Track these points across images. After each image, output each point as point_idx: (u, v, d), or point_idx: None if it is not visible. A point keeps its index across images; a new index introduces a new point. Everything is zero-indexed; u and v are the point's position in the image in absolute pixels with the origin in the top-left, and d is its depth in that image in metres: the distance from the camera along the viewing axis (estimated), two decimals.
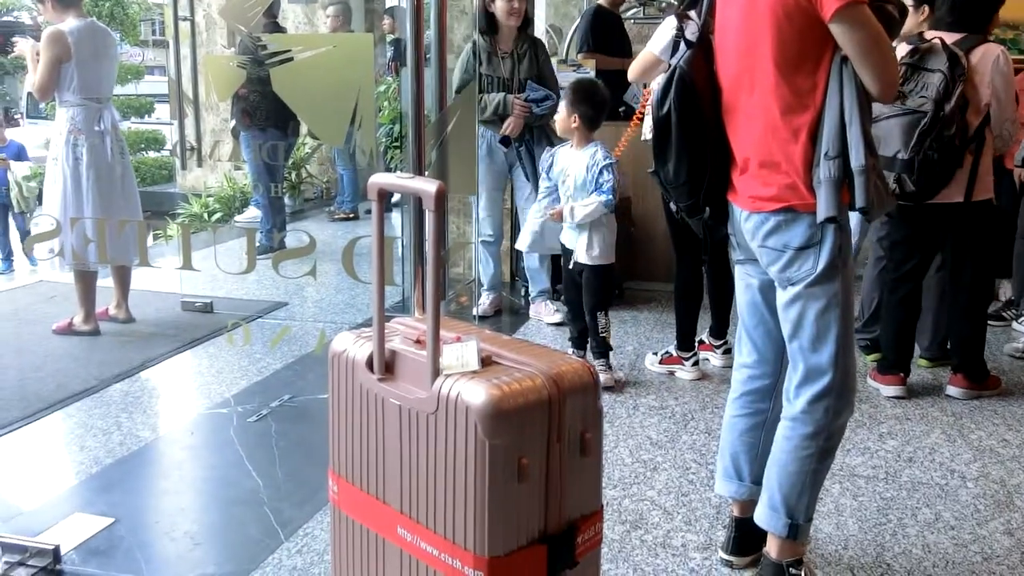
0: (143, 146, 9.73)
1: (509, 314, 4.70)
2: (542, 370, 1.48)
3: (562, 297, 4.09)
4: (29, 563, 2.29)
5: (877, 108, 3.07)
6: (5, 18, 15.92)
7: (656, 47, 3.28)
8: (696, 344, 3.78)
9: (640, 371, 3.81)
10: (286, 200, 6.81)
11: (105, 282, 4.40)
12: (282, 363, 3.87)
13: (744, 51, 1.97)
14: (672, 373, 3.75)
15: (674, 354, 3.76)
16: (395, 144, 5.65)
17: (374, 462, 1.62)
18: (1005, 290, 4.75)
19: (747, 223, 2.04)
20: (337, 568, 1.77)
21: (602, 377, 3.57)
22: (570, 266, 3.63)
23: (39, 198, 5.46)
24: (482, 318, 4.50)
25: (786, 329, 2.07)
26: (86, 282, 4.26)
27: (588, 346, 3.71)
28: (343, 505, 1.72)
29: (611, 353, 3.67)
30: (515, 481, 1.42)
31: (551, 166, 3.67)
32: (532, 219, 3.77)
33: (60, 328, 4.30)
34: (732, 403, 2.29)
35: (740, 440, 2.26)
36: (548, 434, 1.46)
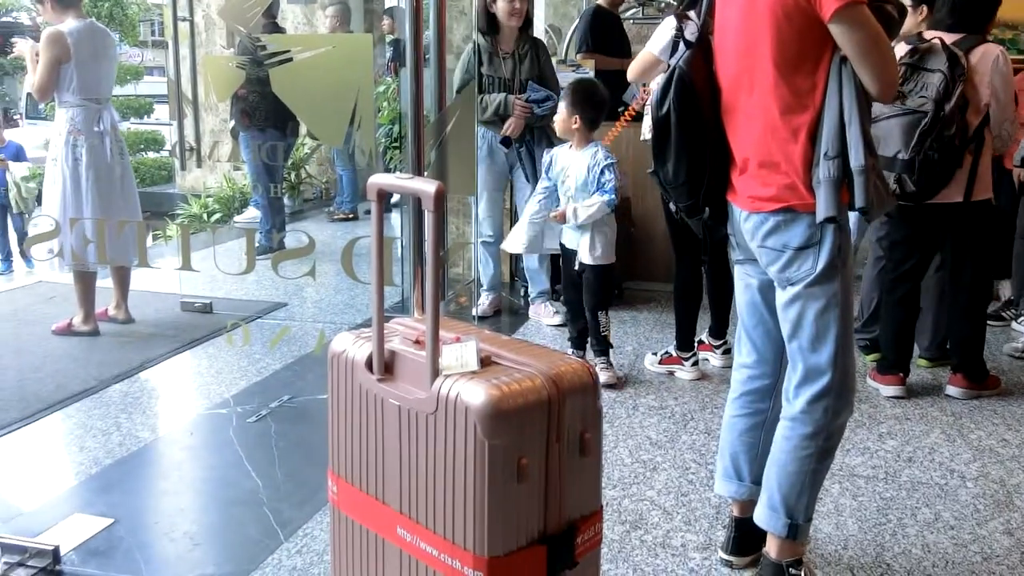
0: (142, 147, 9.74)
1: (508, 314, 4.70)
2: (541, 370, 1.48)
3: (561, 298, 4.09)
4: (29, 564, 2.29)
5: (877, 108, 3.08)
6: (4, 19, 15.92)
7: (655, 47, 3.28)
8: (695, 344, 3.78)
9: (640, 371, 3.81)
10: (285, 200, 6.81)
11: (104, 283, 4.39)
12: (281, 363, 3.87)
13: (743, 51, 1.97)
14: (672, 373, 3.75)
15: (673, 354, 3.76)
16: (394, 144, 5.65)
17: (373, 462, 1.62)
18: (1004, 290, 4.75)
19: (746, 223, 2.04)
20: (337, 568, 1.77)
21: (604, 375, 3.61)
22: (575, 267, 3.63)
23: (38, 199, 5.46)
24: (481, 318, 4.50)
25: (785, 329, 2.07)
26: (85, 283, 4.25)
27: (588, 345, 3.72)
28: (342, 505, 1.72)
29: (611, 352, 3.68)
30: (515, 481, 1.42)
31: (550, 165, 3.68)
32: (526, 220, 3.75)
33: (59, 329, 4.30)
34: (732, 403, 2.29)
35: (740, 440, 2.26)
36: (548, 434, 1.46)
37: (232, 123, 5.34)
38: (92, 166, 4.09)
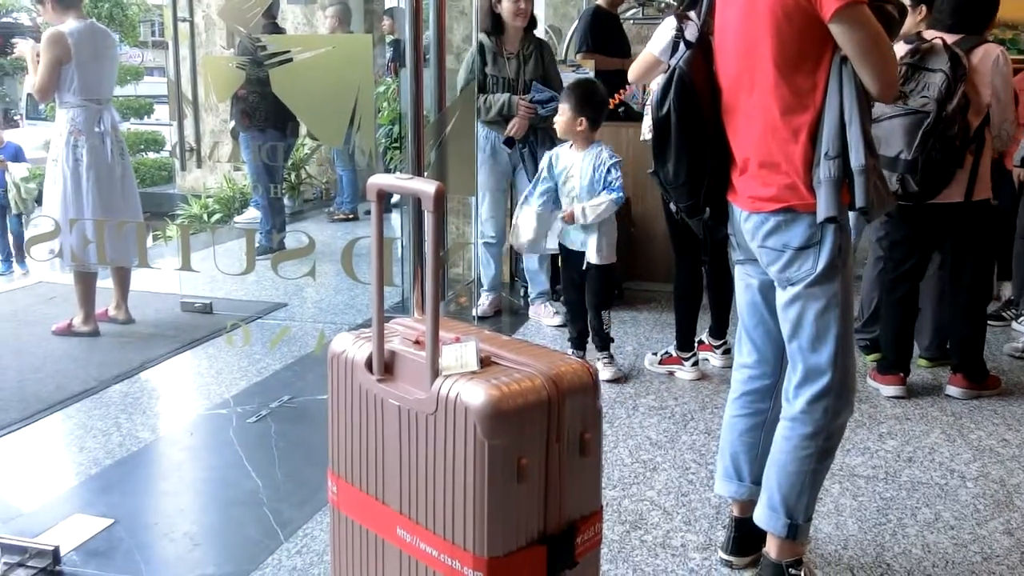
0: (142, 147, 9.73)
1: (508, 315, 4.70)
2: (541, 371, 1.48)
3: (561, 298, 4.10)
4: (29, 564, 2.29)
5: (879, 108, 3.08)
6: (4, 19, 15.92)
7: (656, 48, 3.28)
8: (696, 344, 3.78)
9: (640, 371, 3.81)
10: (285, 201, 6.81)
11: (104, 283, 4.40)
12: (281, 364, 3.87)
13: (744, 51, 1.97)
14: (672, 373, 3.75)
15: (674, 354, 3.76)
16: (394, 145, 5.65)
17: (373, 463, 1.62)
18: (1005, 290, 4.75)
19: (747, 223, 2.04)
20: (336, 569, 1.77)
21: (608, 371, 3.65)
22: (582, 267, 3.66)
23: (38, 199, 5.46)
24: (481, 319, 4.50)
25: (786, 329, 2.07)
26: (86, 283, 4.26)
27: (590, 342, 3.74)
28: (342, 506, 1.72)
29: (612, 347, 3.72)
30: (514, 481, 1.42)
31: (551, 166, 3.67)
32: (530, 219, 3.74)
33: (59, 329, 4.30)
34: (732, 403, 2.29)
35: (740, 440, 2.26)
36: (547, 434, 1.46)
37: (232, 123, 5.35)
38: (93, 166, 4.09)
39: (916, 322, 3.66)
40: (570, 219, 3.57)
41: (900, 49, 3.24)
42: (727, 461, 2.29)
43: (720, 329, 3.87)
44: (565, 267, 3.82)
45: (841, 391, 2.04)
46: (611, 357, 3.72)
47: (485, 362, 1.51)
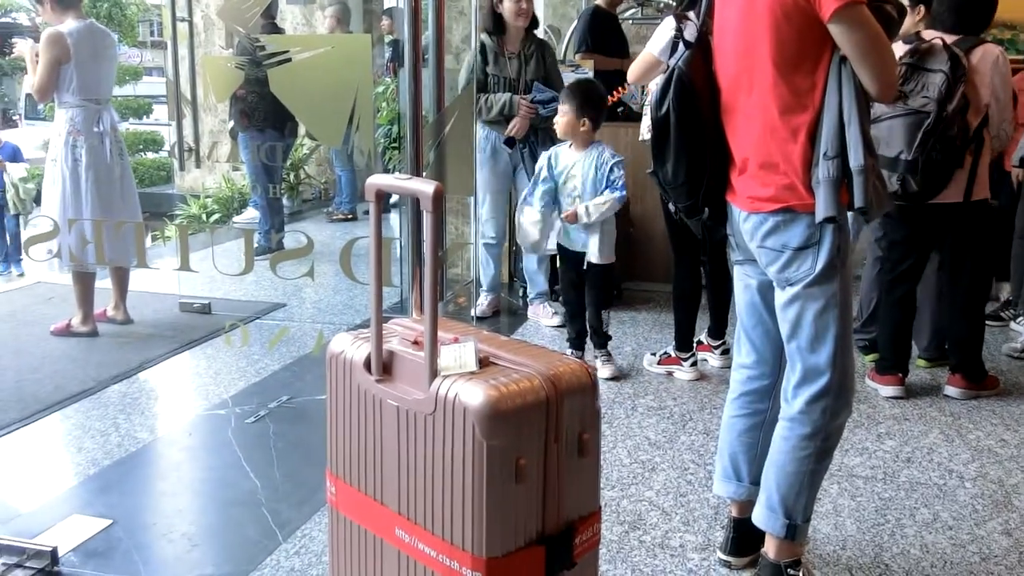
0: (141, 147, 9.72)
1: (507, 315, 4.70)
2: (540, 371, 1.48)
3: (560, 298, 4.10)
4: (27, 565, 2.28)
5: (879, 108, 3.09)
6: (3, 19, 15.91)
7: (655, 48, 3.28)
8: (694, 345, 3.78)
9: (638, 372, 3.81)
10: (284, 201, 6.81)
11: (103, 283, 4.39)
12: (280, 364, 3.87)
13: (743, 51, 1.97)
14: (670, 374, 3.75)
15: (672, 355, 3.76)
16: (393, 145, 5.65)
17: (372, 463, 1.62)
18: (1003, 291, 4.75)
19: (746, 224, 2.04)
20: (335, 569, 1.77)
21: (608, 369, 3.68)
22: (582, 267, 3.67)
23: (37, 199, 5.45)
24: (480, 319, 4.50)
25: (784, 329, 2.07)
26: (84, 283, 4.25)
27: (589, 342, 3.75)
28: (341, 506, 1.72)
29: (610, 346, 3.75)
30: (513, 482, 1.42)
31: (551, 166, 3.66)
32: (535, 220, 3.71)
33: (58, 329, 4.30)
34: (731, 403, 2.29)
35: (739, 440, 2.26)
36: (546, 435, 1.45)
37: (231, 124, 5.34)
38: (92, 167, 4.09)
39: (915, 322, 3.66)
40: (573, 218, 3.58)
41: (899, 49, 3.24)
42: (726, 461, 2.29)
43: (719, 329, 3.87)
44: (564, 267, 3.82)
45: (840, 391, 2.04)
46: (609, 355, 3.75)
47: (483, 362, 1.51)
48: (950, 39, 3.24)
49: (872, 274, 3.80)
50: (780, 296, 2.05)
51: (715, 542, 2.42)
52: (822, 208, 1.89)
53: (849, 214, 1.95)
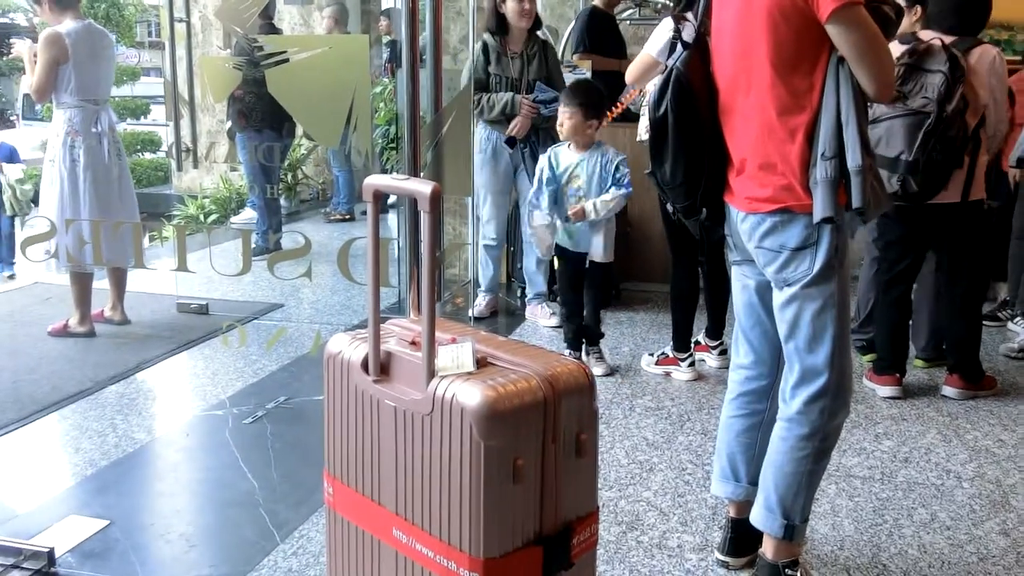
0: (139, 148, 9.72)
1: (505, 315, 4.70)
2: (537, 371, 1.48)
3: (558, 299, 4.10)
4: (24, 566, 2.28)
5: (879, 109, 3.09)
6: (1, 20, 15.89)
7: (653, 49, 3.28)
8: (692, 345, 3.78)
9: (636, 372, 3.81)
10: (282, 201, 6.80)
11: (100, 284, 4.39)
12: (278, 365, 3.87)
13: (741, 52, 1.97)
14: (668, 374, 3.75)
15: (670, 355, 3.76)
16: (391, 145, 5.65)
17: (369, 464, 1.62)
18: (1001, 291, 4.75)
19: (744, 224, 2.04)
20: (332, 570, 1.76)
21: (601, 367, 3.70)
22: (582, 267, 3.70)
23: (34, 200, 5.44)
24: (478, 319, 4.50)
25: (782, 330, 2.07)
26: (82, 284, 4.25)
27: (586, 343, 3.76)
28: (338, 507, 1.72)
29: (608, 347, 3.81)
30: (510, 482, 1.42)
31: (553, 166, 3.66)
32: (547, 224, 3.70)
33: (55, 330, 4.29)
34: (729, 404, 2.29)
35: (737, 441, 2.26)
36: (543, 435, 1.45)
37: (229, 124, 5.34)
38: (90, 167, 4.08)
39: (912, 323, 3.66)
40: (581, 215, 3.58)
41: (896, 49, 3.24)
42: (724, 462, 2.29)
43: (717, 330, 3.87)
44: (564, 267, 3.82)
45: (838, 392, 2.04)
46: (601, 353, 3.79)
47: (481, 363, 1.51)
48: (947, 40, 3.24)
49: (869, 274, 3.81)
50: (778, 296, 2.05)
51: (713, 542, 2.42)
52: (820, 208, 1.89)
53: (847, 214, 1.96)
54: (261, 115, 4.99)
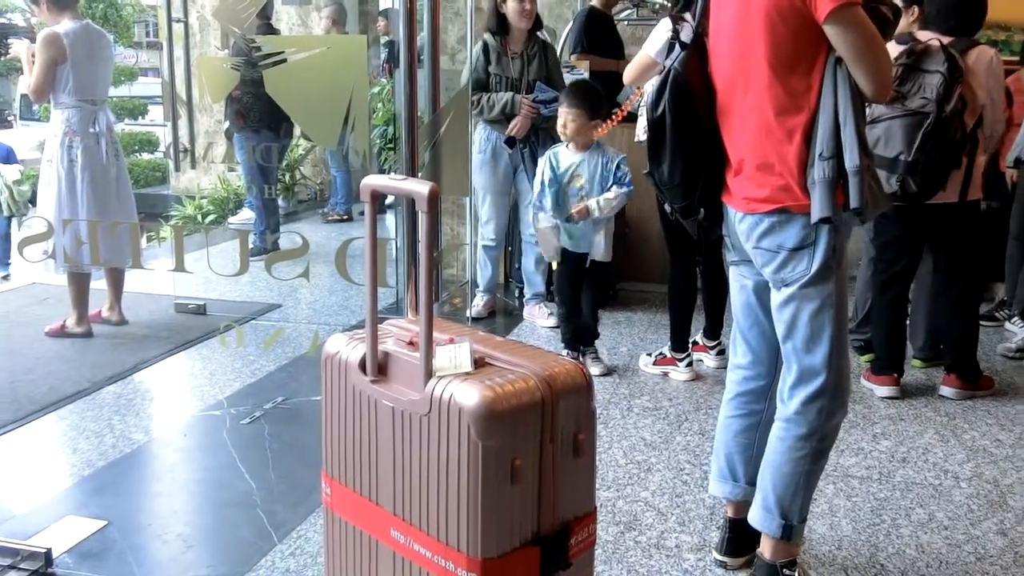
0: (137, 148, 9.71)
1: (503, 316, 4.69)
2: (535, 371, 1.48)
3: (556, 299, 4.10)
4: (21, 566, 2.28)
5: (878, 109, 3.09)
6: None
7: (651, 49, 3.28)
8: (690, 345, 3.78)
9: (634, 372, 3.81)
10: (280, 202, 6.80)
11: (98, 284, 4.39)
12: (275, 365, 3.86)
13: (738, 53, 1.97)
14: (666, 374, 3.75)
15: (668, 355, 3.76)
16: (389, 146, 5.65)
17: (367, 464, 1.62)
18: (998, 291, 4.76)
19: (741, 224, 2.04)
20: (330, 570, 1.76)
21: (598, 368, 3.71)
22: (582, 266, 3.71)
23: (32, 200, 5.44)
24: (475, 320, 4.50)
25: (780, 330, 2.07)
26: (79, 284, 4.25)
27: (582, 343, 3.76)
28: (336, 507, 1.72)
29: (605, 347, 3.82)
30: (508, 482, 1.42)
31: (554, 167, 3.66)
32: (553, 227, 3.70)
33: (53, 330, 4.29)
34: (727, 404, 2.29)
35: (735, 441, 2.26)
36: (541, 435, 1.45)
37: (226, 124, 5.34)
38: (88, 167, 4.08)
39: (910, 323, 3.66)
40: (584, 214, 3.59)
41: (894, 50, 3.24)
42: (722, 462, 2.29)
43: (714, 330, 3.88)
44: (563, 267, 3.82)
45: (835, 392, 2.04)
46: (597, 352, 3.81)
47: (479, 363, 1.51)
48: (945, 40, 3.24)
49: (867, 275, 3.81)
50: (776, 297, 2.05)
51: (711, 542, 2.42)
52: (817, 209, 1.89)
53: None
54: (259, 115, 5.00)
